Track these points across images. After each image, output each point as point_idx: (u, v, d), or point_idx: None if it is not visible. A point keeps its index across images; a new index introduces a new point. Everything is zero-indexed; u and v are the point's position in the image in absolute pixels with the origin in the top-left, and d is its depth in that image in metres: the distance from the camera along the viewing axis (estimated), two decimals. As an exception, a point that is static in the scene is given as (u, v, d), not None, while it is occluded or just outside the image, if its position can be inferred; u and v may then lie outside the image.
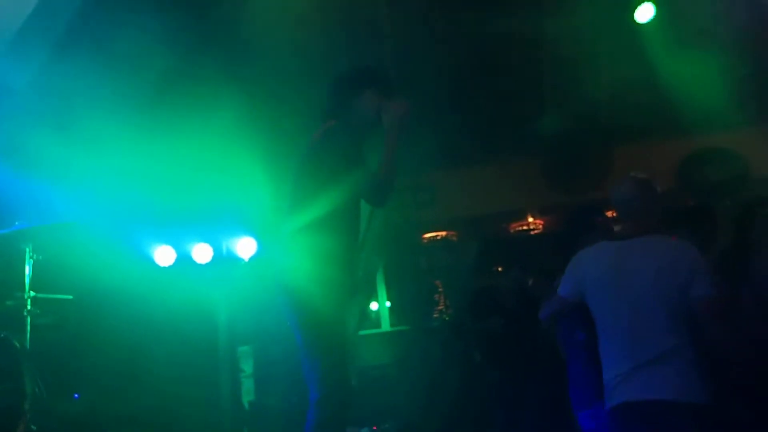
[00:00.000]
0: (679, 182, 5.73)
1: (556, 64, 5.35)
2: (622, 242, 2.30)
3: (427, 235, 6.60)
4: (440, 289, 6.72)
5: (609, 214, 3.06)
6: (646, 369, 2.11)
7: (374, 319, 6.58)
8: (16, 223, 3.68)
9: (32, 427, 3.36)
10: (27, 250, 3.73)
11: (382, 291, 6.63)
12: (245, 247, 5.53)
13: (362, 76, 2.54)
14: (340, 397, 2.21)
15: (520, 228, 6.54)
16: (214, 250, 5.57)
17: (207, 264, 5.54)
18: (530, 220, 6.57)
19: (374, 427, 4.63)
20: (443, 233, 6.57)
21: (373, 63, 2.65)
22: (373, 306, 6.63)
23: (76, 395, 4.36)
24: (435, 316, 6.50)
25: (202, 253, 5.53)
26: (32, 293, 3.70)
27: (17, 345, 3.37)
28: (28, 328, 3.64)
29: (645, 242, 2.25)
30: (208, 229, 5.53)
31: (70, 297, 4.44)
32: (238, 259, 5.55)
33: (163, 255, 5.40)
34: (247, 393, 5.33)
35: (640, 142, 5.81)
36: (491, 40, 4.97)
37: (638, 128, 5.71)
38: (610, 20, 5.00)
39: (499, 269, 4.38)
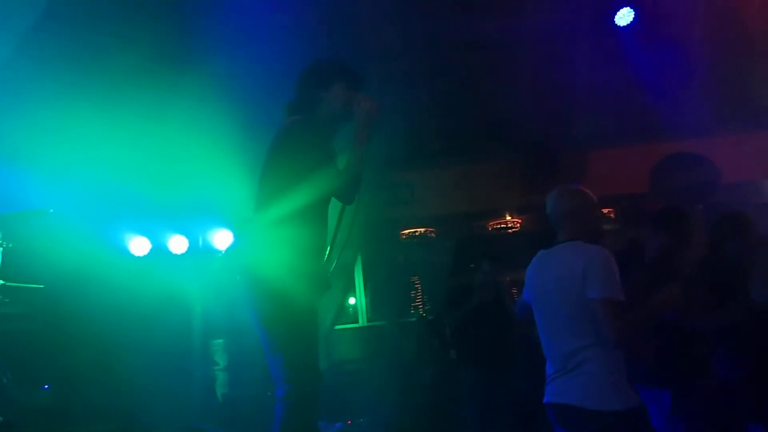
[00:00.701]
0: (652, 186, 5.85)
1: (533, 67, 5.41)
2: (548, 250, 2.39)
3: (405, 232, 6.62)
4: (417, 285, 6.76)
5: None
6: (561, 374, 2.20)
7: (351, 314, 6.59)
8: (-15, 210, 3.60)
9: (-1, 417, 3.30)
10: (-4, 237, 3.65)
11: (359, 286, 6.64)
12: (221, 239, 5.49)
13: (331, 69, 2.46)
14: (309, 391, 2.17)
15: (498, 226, 6.61)
16: (190, 242, 5.51)
17: (182, 255, 5.49)
18: (508, 218, 6.64)
19: (348, 422, 4.64)
20: (421, 230, 6.60)
21: (350, 59, 2.59)
22: (351, 301, 6.64)
23: (46, 386, 4.29)
24: (412, 311, 6.54)
25: (177, 244, 5.47)
26: (1, 281, 3.63)
27: (-16, 334, 3.30)
28: (-4, 317, 3.57)
29: (560, 249, 2.33)
30: (184, 221, 5.47)
31: (41, 286, 4.35)
32: (214, 251, 5.51)
33: (138, 245, 5.33)
34: (221, 385, 5.31)
35: (615, 145, 5.92)
36: (470, 41, 5.00)
37: (613, 132, 5.81)
38: (588, 23, 5.07)
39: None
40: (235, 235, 5.37)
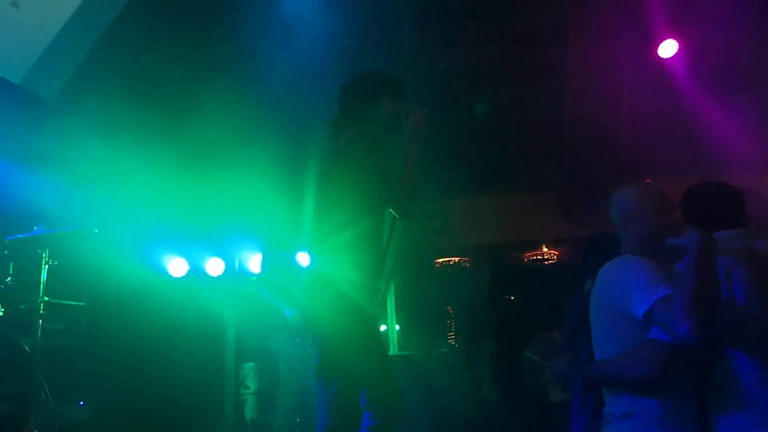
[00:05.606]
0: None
1: (575, 96, 5.36)
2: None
3: (439, 261, 6.57)
4: (451, 313, 6.66)
5: None
6: (613, 419, 1.85)
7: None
8: (35, 228, 3.73)
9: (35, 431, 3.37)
10: (44, 255, 3.77)
11: (391, 314, 6.59)
12: (257, 262, 5.55)
13: (376, 82, 2.45)
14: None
15: (534, 257, 6.50)
16: (226, 265, 5.60)
17: (218, 277, 5.57)
18: (545, 250, 6.52)
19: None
20: (456, 259, 6.54)
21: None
22: (382, 328, 6.59)
23: (81, 402, 4.37)
24: (444, 342, 6.44)
25: (214, 266, 5.57)
26: (45, 298, 3.74)
27: (27, 349, 3.39)
28: (39, 332, 3.66)
29: (602, 270, 1.98)
30: (222, 244, 5.57)
31: (83, 303, 4.48)
32: (249, 274, 5.57)
33: (177, 266, 5.45)
34: (250, 409, 5.30)
35: (660, 177, 5.76)
36: (510, 71, 4.99)
37: (657, 162, 5.67)
38: (633, 54, 5.02)
39: (512, 298, 4.34)
40: (280, 258, 5.36)
